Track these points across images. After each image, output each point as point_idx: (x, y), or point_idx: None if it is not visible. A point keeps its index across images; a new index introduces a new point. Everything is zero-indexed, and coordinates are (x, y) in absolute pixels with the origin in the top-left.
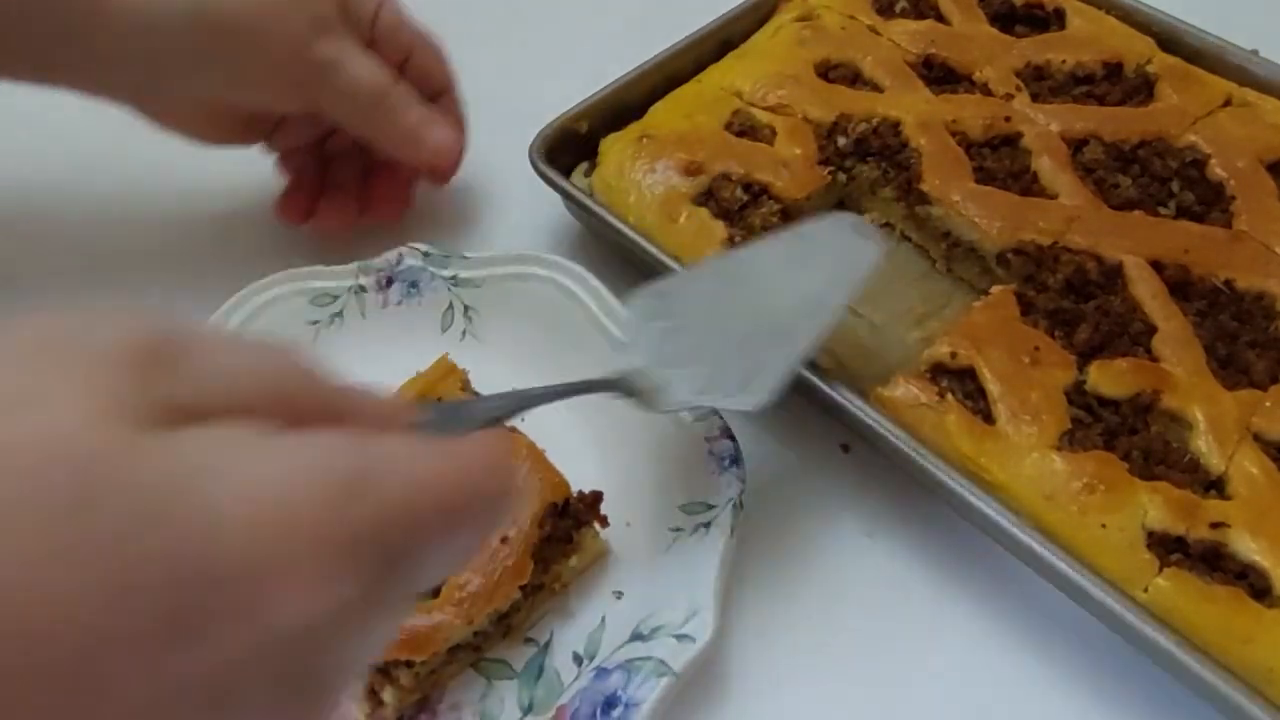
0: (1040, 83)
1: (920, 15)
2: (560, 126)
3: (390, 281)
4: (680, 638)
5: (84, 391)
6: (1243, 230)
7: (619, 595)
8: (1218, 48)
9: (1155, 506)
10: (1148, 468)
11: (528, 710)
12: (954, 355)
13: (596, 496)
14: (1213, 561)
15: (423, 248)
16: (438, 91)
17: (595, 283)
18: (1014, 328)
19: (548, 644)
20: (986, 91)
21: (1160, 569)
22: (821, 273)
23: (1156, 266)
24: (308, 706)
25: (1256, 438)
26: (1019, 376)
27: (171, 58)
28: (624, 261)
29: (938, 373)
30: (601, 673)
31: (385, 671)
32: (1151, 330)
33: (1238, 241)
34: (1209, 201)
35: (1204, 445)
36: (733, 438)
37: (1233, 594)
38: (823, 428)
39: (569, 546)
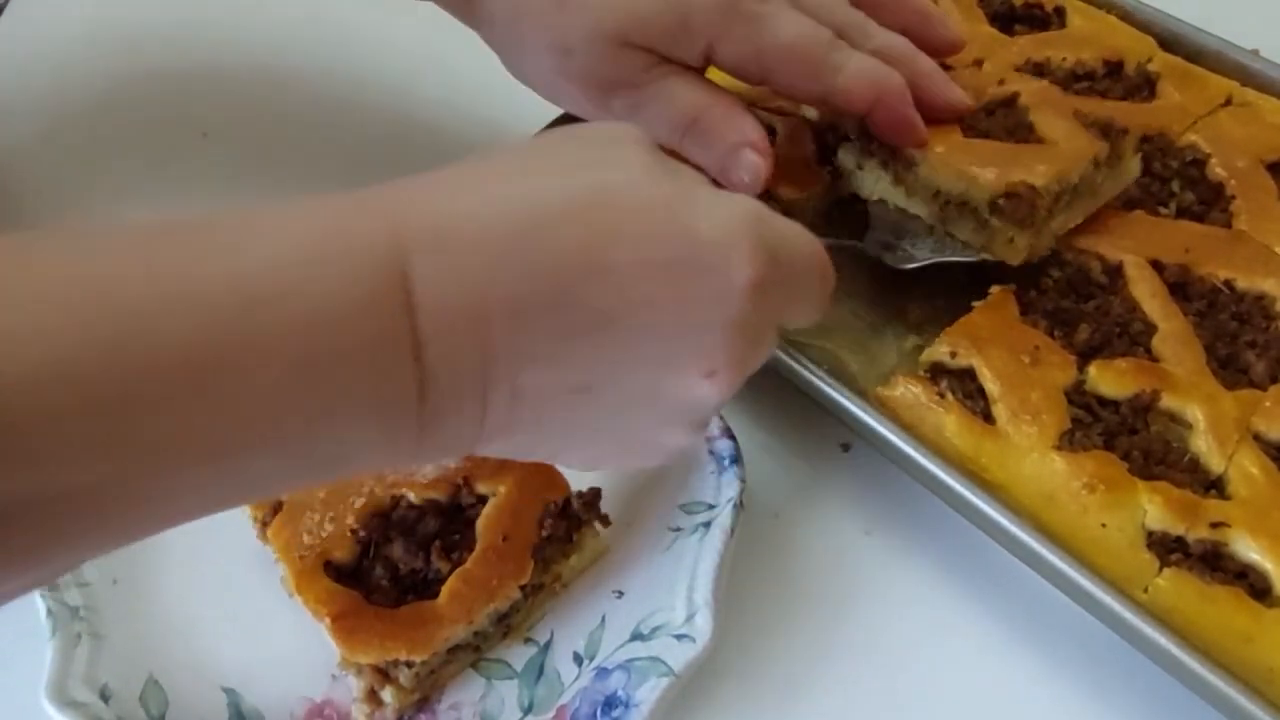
0: (1041, 78)
1: None
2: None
3: None
4: (680, 638)
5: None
6: (1243, 230)
7: (619, 595)
8: (1218, 48)
9: (1155, 506)
10: (1148, 468)
11: (528, 710)
12: (954, 355)
13: (596, 495)
14: (1213, 561)
15: None
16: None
17: None
18: (1013, 328)
19: (548, 644)
20: None
21: (1160, 569)
22: None
23: (1156, 266)
24: (758, 354)
25: (1256, 438)
26: (1019, 376)
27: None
28: None
29: (937, 373)
30: (602, 672)
31: (385, 672)
32: (1151, 330)
33: (1238, 241)
34: (1209, 201)
35: (1204, 445)
36: (733, 437)
37: (1233, 594)
38: (823, 428)
39: (569, 546)
